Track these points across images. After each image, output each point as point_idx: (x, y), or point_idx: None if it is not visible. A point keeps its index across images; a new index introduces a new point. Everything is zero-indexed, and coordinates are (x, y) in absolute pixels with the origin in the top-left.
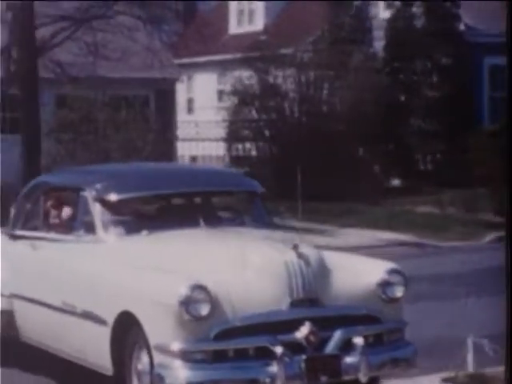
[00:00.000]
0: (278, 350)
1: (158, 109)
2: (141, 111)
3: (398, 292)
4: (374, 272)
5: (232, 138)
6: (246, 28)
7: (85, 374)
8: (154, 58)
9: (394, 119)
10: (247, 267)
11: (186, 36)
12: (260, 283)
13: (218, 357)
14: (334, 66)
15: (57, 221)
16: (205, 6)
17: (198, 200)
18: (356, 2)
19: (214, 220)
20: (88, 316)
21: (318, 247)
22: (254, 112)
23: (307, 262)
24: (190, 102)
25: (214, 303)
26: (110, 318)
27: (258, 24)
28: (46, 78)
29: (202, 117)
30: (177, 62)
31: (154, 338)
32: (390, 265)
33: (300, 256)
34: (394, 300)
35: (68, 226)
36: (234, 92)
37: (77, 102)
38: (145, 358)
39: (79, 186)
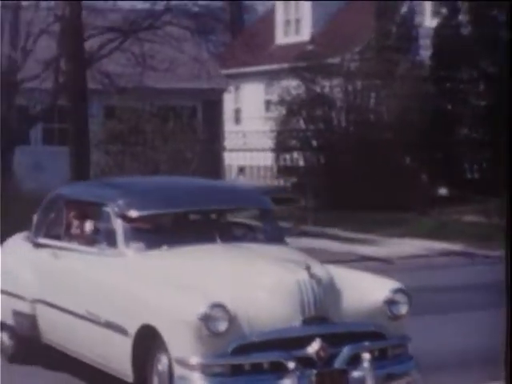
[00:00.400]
0: (291, 364)
1: (205, 119)
2: (188, 122)
3: (403, 310)
4: (380, 291)
5: (279, 147)
6: (293, 38)
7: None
8: (202, 69)
9: (441, 128)
10: (263, 286)
11: (233, 46)
12: (275, 302)
13: (235, 370)
14: (381, 75)
15: (78, 231)
16: (251, 16)
17: (213, 216)
18: (402, 11)
19: (229, 236)
20: (110, 325)
21: (363, 257)
22: (301, 122)
23: (318, 282)
24: (237, 112)
25: (232, 320)
26: (132, 330)
27: (305, 34)
28: (95, 89)
29: (250, 127)
30: (224, 72)
31: (174, 351)
32: (396, 284)
33: (312, 276)
34: (398, 317)
35: (90, 239)
36: (282, 102)
37: (125, 113)
38: (165, 369)
39: (102, 201)
